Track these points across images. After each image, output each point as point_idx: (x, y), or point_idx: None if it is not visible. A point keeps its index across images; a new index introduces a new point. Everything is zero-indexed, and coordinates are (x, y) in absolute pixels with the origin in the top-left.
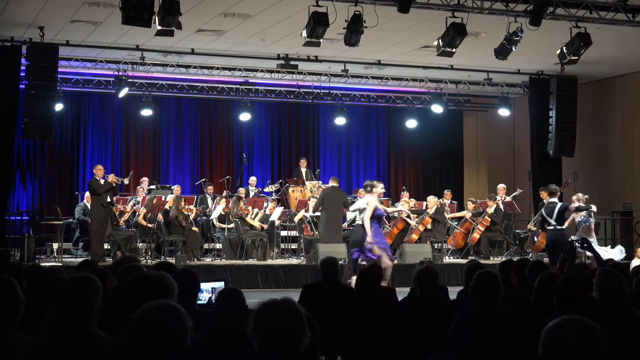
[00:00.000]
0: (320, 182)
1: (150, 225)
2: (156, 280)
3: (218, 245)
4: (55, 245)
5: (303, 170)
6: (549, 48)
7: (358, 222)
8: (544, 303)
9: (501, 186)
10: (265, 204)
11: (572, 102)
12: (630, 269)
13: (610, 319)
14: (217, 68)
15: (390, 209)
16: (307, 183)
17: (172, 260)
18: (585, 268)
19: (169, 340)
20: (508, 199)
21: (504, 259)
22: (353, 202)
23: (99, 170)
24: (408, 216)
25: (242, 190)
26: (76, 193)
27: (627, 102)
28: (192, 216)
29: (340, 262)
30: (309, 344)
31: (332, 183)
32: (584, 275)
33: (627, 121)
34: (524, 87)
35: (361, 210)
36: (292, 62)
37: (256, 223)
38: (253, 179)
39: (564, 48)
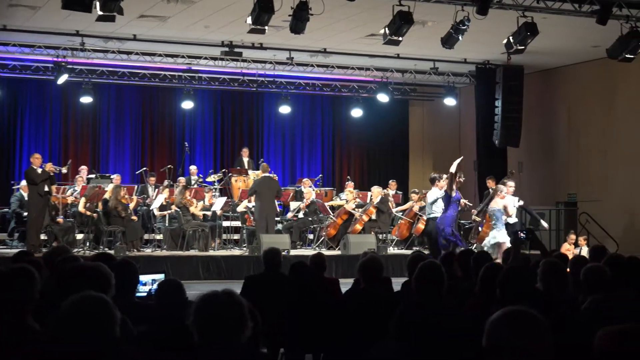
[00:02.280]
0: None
1: (90, 213)
2: (92, 271)
3: (158, 236)
4: None
5: (245, 159)
6: (496, 37)
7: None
8: (488, 294)
9: (444, 176)
10: (208, 194)
11: (518, 92)
12: (563, 251)
13: (555, 310)
14: (160, 55)
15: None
16: (250, 173)
17: (112, 252)
18: (531, 258)
19: (95, 330)
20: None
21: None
22: (297, 191)
23: (36, 159)
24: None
25: (182, 180)
26: (12, 182)
27: (573, 93)
28: (132, 206)
29: (283, 252)
30: (251, 335)
31: (263, 172)
32: (529, 266)
33: (573, 112)
34: (471, 76)
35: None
36: (236, 50)
37: (200, 213)
38: (194, 168)
39: (510, 37)
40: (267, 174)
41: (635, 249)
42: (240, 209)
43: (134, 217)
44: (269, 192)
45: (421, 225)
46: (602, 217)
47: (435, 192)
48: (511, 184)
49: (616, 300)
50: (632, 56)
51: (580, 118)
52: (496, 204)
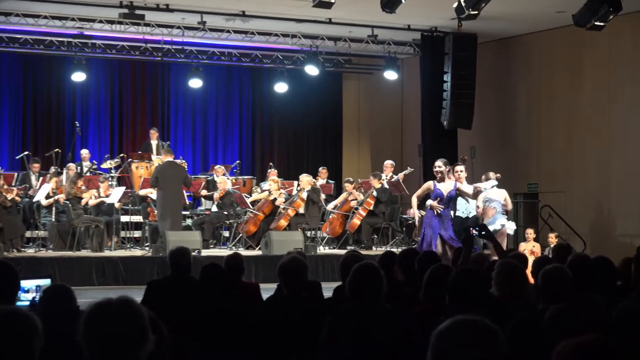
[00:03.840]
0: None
1: None
2: None
3: (43, 233)
4: None
5: (154, 142)
6: (445, 0)
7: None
8: (435, 301)
9: (388, 163)
10: (104, 184)
11: (470, 65)
12: (520, 250)
13: (511, 318)
14: (45, 17)
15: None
16: (154, 158)
17: None
18: (484, 260)
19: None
20: (397, 177)
21: (387, 249)
22: (209, 180)
23: None
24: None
25: (72, 166)
26: None
27: (534, 66)
28: (10, 197)
29: (193, 253)
30: (153, 350)
31: (166, 157)
32: (482, 267)
33: (534, 87)
34: (415, 46)
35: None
36: (137, 12)
37: (94, 203)
38: (86, 153)
39: (461, 1)
40: (170, 159)
41: (604, 248)
42: (141, 199)
43: (9, 204)
44: (174, 181)
45: (356, 221)
46: (567, 211)
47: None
48: (459, 168)
49: (580, 308)
50: (602, 24)
51: (543, 96)
52: (498, 196)
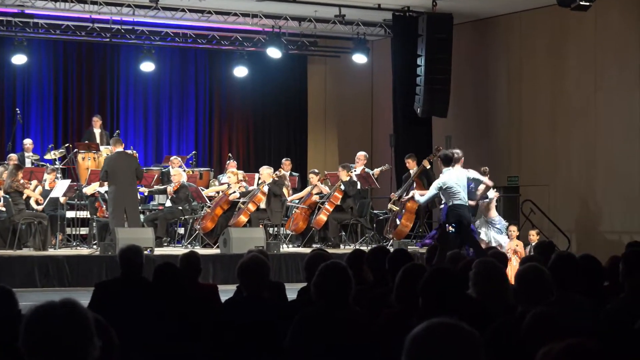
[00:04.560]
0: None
1: None
2: None
3: None
4: None
5: (97, 131)
6: None
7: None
8: (407, 303)
9: (362, 154)
10: (49, 176)
11: (446, 48)
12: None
13: (491, 321)
14: None
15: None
16: (102, 148)
17: None
18: (461, 258)
19: None
20: (374, 172)
21: (356, 247)
22: (163, 172)
23: None
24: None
25: (13, 157)
26: None
27: (514, 49)
28: None
29: (145, 251)
30: (100, 357)
31: (116, 147)
32: (458, 267)
33: (514, 72)
34: (386, 26)
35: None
36: None
37: (37, 196)
38: (28, 142)
39: None
40: (121, 149)
41: (590, 245)
42: (89, 194)
43: None
44: (127, 173)
45: (323, 217)
46: (550, 206)
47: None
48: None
49: (563, 311)
50: (587, 4)
51: (524, 82)
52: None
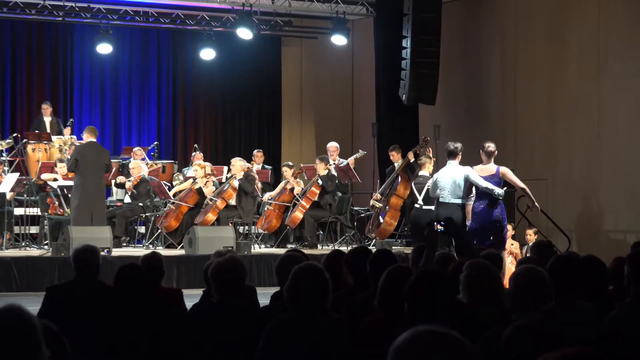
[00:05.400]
0: (74, 136)
1: None
2: None
3: None
4: None
5: (47, 119)
6: None
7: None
8: (392, 309)
9: (332, 145)
10: None
11: (434, 29)
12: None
13: (483, 329)
14: None
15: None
16: (54, 138)
17: None
18: (451, 260)
19: None
20: (345, 162)
21: (335, 248)
22: (122, 165)
23: None
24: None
25: None
26: None
27: (510, 30)
28: None
29: (102, 252)
30: None
31: (88, 137)
32: (448, 269)
33: (509, 57)
34: (368, 5)
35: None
36: None
37: None
38: None
39: None
40: (93, 140)
41: (593, 245)
42: (45, 177)
43: None
44: (97, 166)
45: (298, 214)
46: (549, 202)
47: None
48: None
49: (562, 317)
50: None
51: (520, 67)
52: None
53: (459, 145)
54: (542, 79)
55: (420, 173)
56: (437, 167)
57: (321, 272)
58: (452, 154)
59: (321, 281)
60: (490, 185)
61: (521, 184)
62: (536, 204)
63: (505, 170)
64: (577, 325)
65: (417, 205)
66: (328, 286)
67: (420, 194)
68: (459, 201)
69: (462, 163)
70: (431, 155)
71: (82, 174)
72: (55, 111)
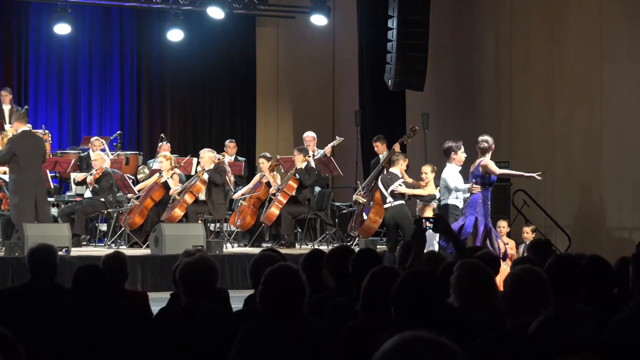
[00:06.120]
0: (29, 125)
1: None
2: None
3: None
4: None
5: (6, 107)
6: None
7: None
8: (376, 314)
9: (309, 135)
10: None
11: (422, 8)
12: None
13: (475, 335)
14: None
15: None
16: (7, 127)
17: None
18: (440, 260)
19: None
20: (322, 152)
21: (315, 247)
22: (82, 157)
23: None
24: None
25: None
26: None
27: (504, 11)
28: None
29: (60, 252)
30: None
31: (20, 125)
32: (438, 270)
33: (504, 40)
34: None
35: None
36: None
37: None
38: None
39: None
40: (26, 128)
41: (594, 244)
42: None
43: None
44: (34, 157)
45: (275, 210)
46: (547, 197)
47: (453, 170)
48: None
49: (563, 322)
50: None
51: (516, 50)
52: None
53: (452, 144)
54: (539, 62)
55: (391, 170)
56: (426, 159)
57: (296, 274)
58: (444, 154)
59: (295, 284)
60: (460, 186)
61: (501, 171)
62: (533, 174)
63: (485, 162)
64: (577, 330)
65: (386, 206)
66: (303, 289)
67: (386, 191)
68: (451, 202)
69: (442, 159)
70: (405, 157)
71: (23, 168)
72: (12, 98)
